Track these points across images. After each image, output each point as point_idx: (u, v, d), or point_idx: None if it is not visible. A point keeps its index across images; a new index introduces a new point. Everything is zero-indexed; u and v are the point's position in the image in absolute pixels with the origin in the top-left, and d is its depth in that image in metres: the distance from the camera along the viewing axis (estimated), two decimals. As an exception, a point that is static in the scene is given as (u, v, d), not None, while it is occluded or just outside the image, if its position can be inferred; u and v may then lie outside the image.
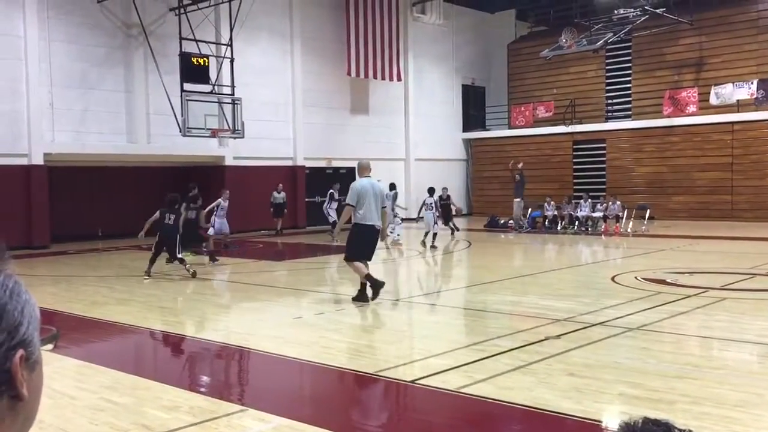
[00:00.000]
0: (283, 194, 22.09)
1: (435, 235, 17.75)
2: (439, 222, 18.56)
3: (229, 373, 7.16)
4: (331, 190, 21.05)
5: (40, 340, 0.88)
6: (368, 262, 9.88)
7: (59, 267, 15.00)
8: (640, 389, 5.54)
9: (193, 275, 12.56)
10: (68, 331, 8.24)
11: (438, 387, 5.76)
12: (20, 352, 0.82)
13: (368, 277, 9.66)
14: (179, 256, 12.70)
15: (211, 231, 16.10)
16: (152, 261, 12.75)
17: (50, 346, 0.96)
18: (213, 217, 16.50)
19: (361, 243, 9.69)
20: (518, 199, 22.38)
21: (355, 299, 9.72)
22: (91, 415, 5.23)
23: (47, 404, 5.20)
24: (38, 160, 18.69)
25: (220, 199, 16.68)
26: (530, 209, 23.11)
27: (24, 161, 18.55)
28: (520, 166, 22.67)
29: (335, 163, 25.59)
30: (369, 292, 9.75)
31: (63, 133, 19.38)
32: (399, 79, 27.63)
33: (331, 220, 20.35)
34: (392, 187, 20.23)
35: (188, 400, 5.57)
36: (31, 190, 18.48)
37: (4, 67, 18.18)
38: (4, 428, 0.82)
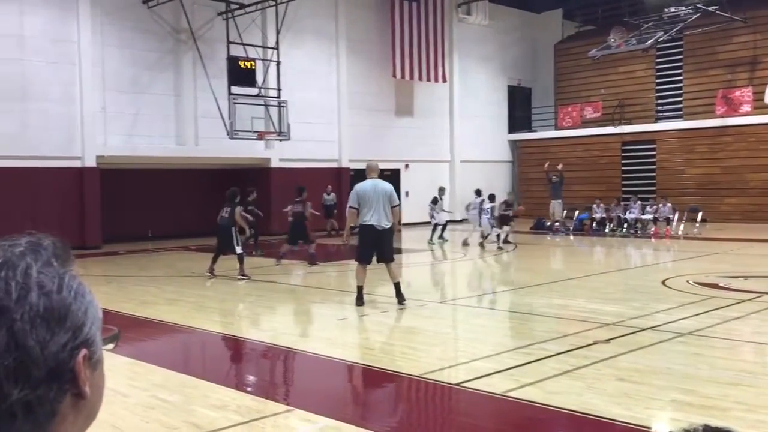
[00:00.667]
0: (333, 195, 22.28)
1: (498, 236, 17.72)
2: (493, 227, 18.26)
3: (275, 373, 7.22)
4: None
5: (102, 340, 0.90)
6: (392, 263, 9.72)
7: (111, 267, 15.35)
8: (693, 396, 5.40)
9: (242, 275, 12.54)
10: (119, 330, 8.40)
11: (484, 390, 5.71)
12: (83, 351, 0.84)
13: (362, 288, 9.66)
14: (238, 251, 12.60)
15: None
16: (214, 259, 12.82)
17: (111, 346, 0.99)
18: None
19: (362, 243, 9.75)
20: (558, 201, 22.12)
21: (356, 303, 9.66)
22: (143, 412, 5.34)
23: (100, 401, 5.31)
24: (91, 162, 19.18)
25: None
26: (577, 211, 22.79)
27: (78, 164, 19.05)
28: (559, 167, 22.35)
29: (380, 165, 25.54)
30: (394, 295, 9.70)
31: (115, 136, 19.84)
32: (444, 81, 27.54)
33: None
34: (441, 191, 20.18)
35: (236, 399, 5.64)
36: (84, 192, 18.97)
37: (59, 72, 18.71)
38: (67, 425, 0.84)
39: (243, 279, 12.57)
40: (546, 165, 22.72)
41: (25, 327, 0.79)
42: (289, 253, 14.83)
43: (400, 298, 9.58)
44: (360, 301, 9.70)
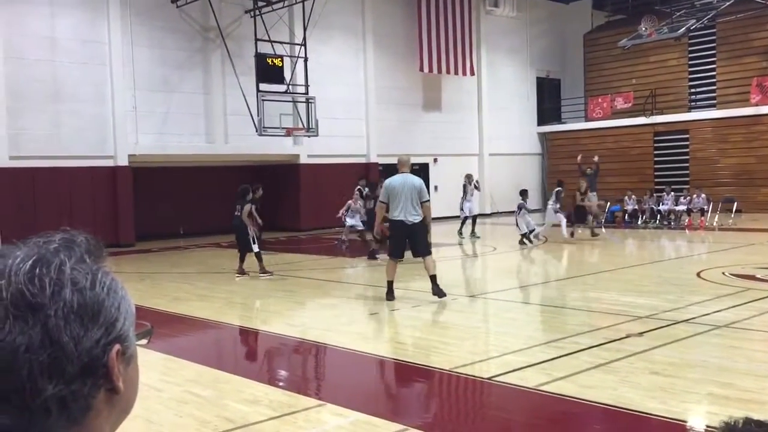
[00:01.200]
0: (366, 189, 22.07)
1: (570, 231, 17.55)
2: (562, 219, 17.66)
3: (306, 368, 7.25)
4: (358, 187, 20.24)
5: (135, 336, 0.91)
6: (428, 257, 9.50)
7: (144, 264, 15.56)
8: (730, 389, 5.30)
9: (263, 273, 12.36)
10: (152, 325, 8.51)
11: (516, 384, 5.67)
12: (117, 346, 0.85)
13: (392, 283, 9.66)
14: (255, 249, 12.42)
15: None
16: (241, 258, 12.67)
17: (145, 341, 1.00)
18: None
19: (393, 238, 9.80)
20: (593, 193, 21.81)
21: (386, 298, 9.65)
22: (176, 407, 5.40)
23: (134, 396, 5.38)
24: (123, 161, 19.44)
25: (350, 202, 16.53)
26: (609, 203, 22.50)
27: (110, 163, 19.32)
28: (595, 159, 21.99)
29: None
30: (432, 290, 9.63)
31: (146, 135, 20.08)
32: (472, 74, 27.37)
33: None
34: (468, 178, 19.68)
35: (268, 394, 5.67)
36: (117, 191, 19.24)
37: (90, 73, 18.98)
38: (102, 420, 0.85)
39: (265, 275, 12.45)
40: (579, 158, 22.37)
41: (59, 323, 0.80)
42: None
43: (436, 290, 9.38)
44: (390, 295, 9.67)
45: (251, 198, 12.71)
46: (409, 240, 9.55)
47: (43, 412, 0.79)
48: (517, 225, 17.19)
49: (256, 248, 12.47)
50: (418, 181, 9.53)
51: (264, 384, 6.06)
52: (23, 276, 0.80)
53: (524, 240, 16.97)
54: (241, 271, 12.72)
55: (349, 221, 16.64)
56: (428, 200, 9.67)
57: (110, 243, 18.18)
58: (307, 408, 5.29)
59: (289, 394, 5.74)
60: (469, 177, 19.82)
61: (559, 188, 18.37)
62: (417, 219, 9.44)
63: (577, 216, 18.52)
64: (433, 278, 9.44)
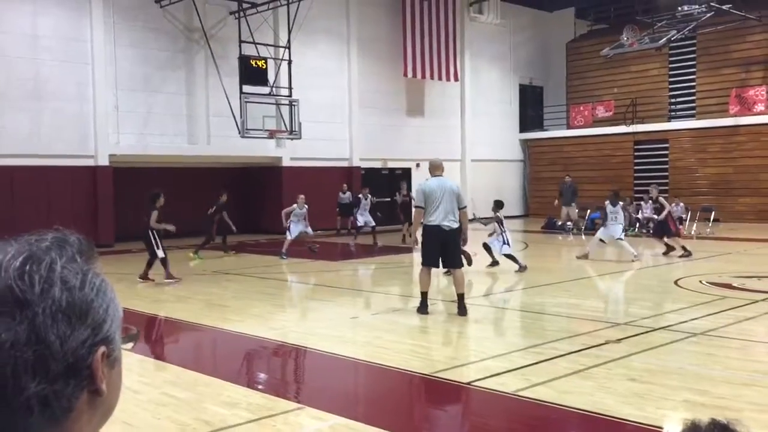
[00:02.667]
0: (348, 194, 22.25)
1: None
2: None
3: (286, 371, 7.23)
4: (359, 195, 20.52)
5: (121, 339, 0.91)
6: (460, 269, 9.02)
7: (123, 265, 15.42)
8: (706, 396, 5.37)
9: (168, 278, 12.16)
10: (138, 330, 8.46)
11: (495, 389, 5.70)
12: (102, 348, 0.84)
13: (426, 294, 9.00)
14: (160, 255, 12.26)
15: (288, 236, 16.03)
16: (148, 263, 12.44)
17: (130, 345, 1.01)
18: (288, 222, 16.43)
19: (426, 244, 9.05)
20: (571, 206, 22.27)
21: (418, 310, 9.05)
22: (154, 409, 5.36)
23: (112, 398, 5.34)
24: (104, 161, 19.28)
25: (295, 205, 16.50)
26: (589, 210, 22.70)
27: (90, 162, 19.15)
28: (567, 179, 22.49)
29: (391, 164, 25.63)
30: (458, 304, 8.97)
31: (127, 135, 19.94)
32: (456, 79, 27.49)
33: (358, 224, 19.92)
34: (499, 205, 14.69)
35: (247, 397, 5.65)
36: (97, 191, 19.07)
37: (72, 71, 18.82)
38: (83, 423, 0.84)
39: (171, 281, 12.20)
40: (555, 203, 22.60)
41: (47, 321, 0.80)
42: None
43: (460, 309, 8.85)
44: (424, 309, 8.98)
45: (157, 205, 12.53)
46: (441, 248, 8.94)
47: (25, 410, 0.78)
48: (488, 248, 13.63)
49: (161, 254, 12.26)
50: (456, 185, 9.09)
51: (243, 387, 6.04)
52: (13, 272, 0.80)
53: (496, 263, 13.73)
54: (145, 276, 12.40)
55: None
56: (465, 207, 9.17)
57: (89, 243, 17.98)
58: (286, 411, 5.28)
59: (268, 397, 5.72)
60: None
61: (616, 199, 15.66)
62: (455, 225, 8.91)
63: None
64: (460, 296, 8.92)
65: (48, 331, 0.80)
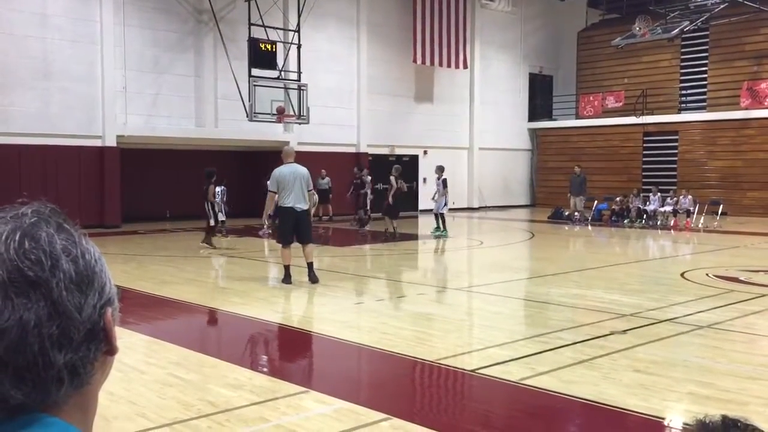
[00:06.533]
0: (327, 179, 21.83)
1: None
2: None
3: (291, 355, 7.25)
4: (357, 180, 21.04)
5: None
6: (310, 244, 10.32)
7: (130, 246, 15.47)
8: (711, 389, 5.36)
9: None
10: (138, 308, 8.50)
11: (499, 377, 5.70)
12: (109, 309, 0.87)
13: (288, 267, 10.16)
14: (220, 218, 14.71)
15: None
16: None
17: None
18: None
19: (282, 224, 10.35)
20: (579, 197, 22.12)
21: (283, 281, 10.17)
22: (160, 389, 5.39)
23: (118, 377, 5.37)
24: (111, 142, 19.29)
25: None
26: (596, 201, 22.63)
27: (98, 143, 19.17)
28: (576, 170, 22.34)
29: (398, 151, 25.56)
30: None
31: (135, 116, 19.93)
32: (465, 67, 27.35)
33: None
34: (439, 170, 17.59)
35: (251, 379, 5.67)
36: (104, 171, 19.10)
37: (81, 52, 18.79)
38: (98, 383, 0.88)
39: (207, 247, 14.42)
40: (568, 196, 22.52)
41: (63, 294, 0.82)
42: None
43: (311, 276, 10.18)
44: (288, 279, 10.17)
45: (213, 180, 14.98)
46: (295, 227, 10.09)
47: (57, 382, 0.81)
48: (436, 214, 16.61)
49: (222, 216, 15.39)
50: (305, 170, 10.17)
51: (248, 369, 6.06)
52: (15, 253, 0.81)
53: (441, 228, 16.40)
54: (209, 242, 14.60)
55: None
56: (312, 189, 10.42)
57: (96, 224, 18.07)
58: (291, 394, 5.29)
59: (272, 379, 5.74)
60: (438, 168, 17.73)
61: None
62: (305, 207, 10.12)
63: None
64: (310, 265, 10.25)
65: (66, 303, 0.82)
